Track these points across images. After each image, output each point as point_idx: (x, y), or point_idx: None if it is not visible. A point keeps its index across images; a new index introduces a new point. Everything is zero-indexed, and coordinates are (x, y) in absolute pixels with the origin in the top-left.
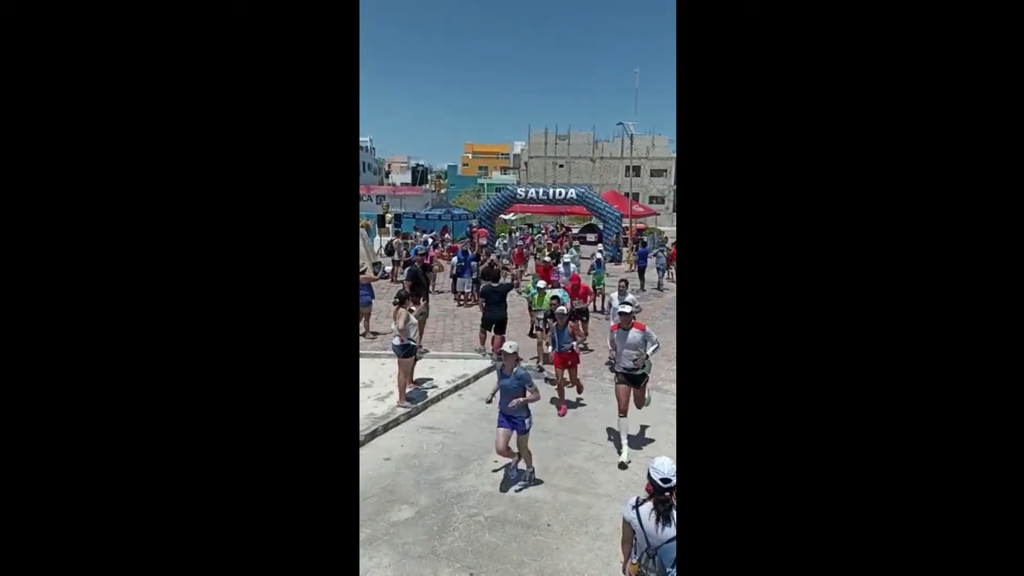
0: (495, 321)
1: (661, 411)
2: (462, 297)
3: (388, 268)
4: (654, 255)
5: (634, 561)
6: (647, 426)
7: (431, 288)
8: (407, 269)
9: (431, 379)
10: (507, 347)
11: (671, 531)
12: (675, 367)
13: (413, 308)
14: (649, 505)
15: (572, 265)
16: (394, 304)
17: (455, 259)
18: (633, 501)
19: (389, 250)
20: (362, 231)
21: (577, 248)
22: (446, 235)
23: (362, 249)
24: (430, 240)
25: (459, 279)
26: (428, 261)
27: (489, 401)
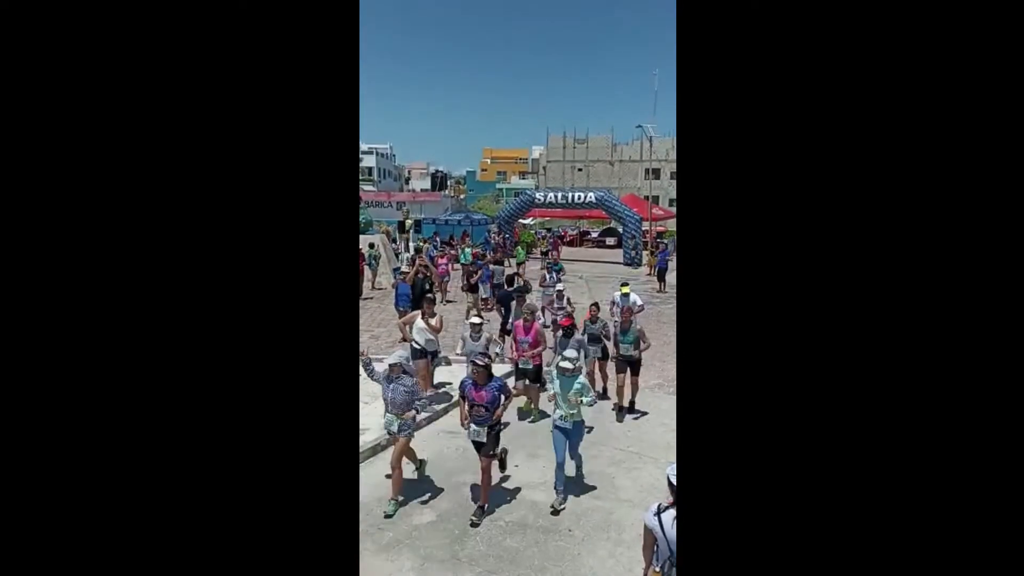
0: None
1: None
2: (481, 303)
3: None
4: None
5: (656, 568)
6: (667, 432)
7: (441, 298)
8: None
9: (451, 383)
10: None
11: None
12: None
13: (432, 314)
14: (672, 512)
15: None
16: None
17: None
18: (655, 508)
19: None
20: (383, 237)
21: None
22: (466, 239)
23: (383, 256)
24: (416, 250)
25: (479, 285)
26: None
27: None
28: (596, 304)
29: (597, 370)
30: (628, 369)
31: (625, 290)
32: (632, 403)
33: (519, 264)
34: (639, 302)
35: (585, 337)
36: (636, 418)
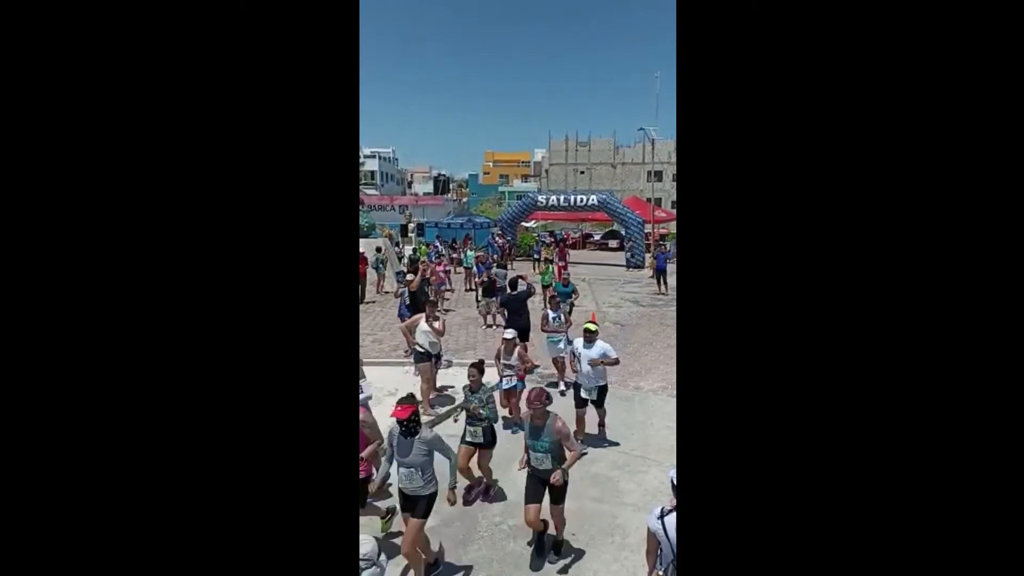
0: (518, 328)
1: None
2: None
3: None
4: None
5: (660, 572)
6: (670, 435)
7: (439, 304)
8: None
9: (454, 387)
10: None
11: None
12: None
13: (435, 317)
14: (675, 516)
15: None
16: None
17: (475, 269)
18: (658, 512)
19: (413, 265)
20: (386, 240)
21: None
22: (468, 242)
23: (392, 256)
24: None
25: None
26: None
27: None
28: (479, 364)
29: (475, 462)
30: (547, 494)
31: (591, 327)
32: (559, 546)
33: (545, 287)
34: (611, 354)
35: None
36: (640, 422)
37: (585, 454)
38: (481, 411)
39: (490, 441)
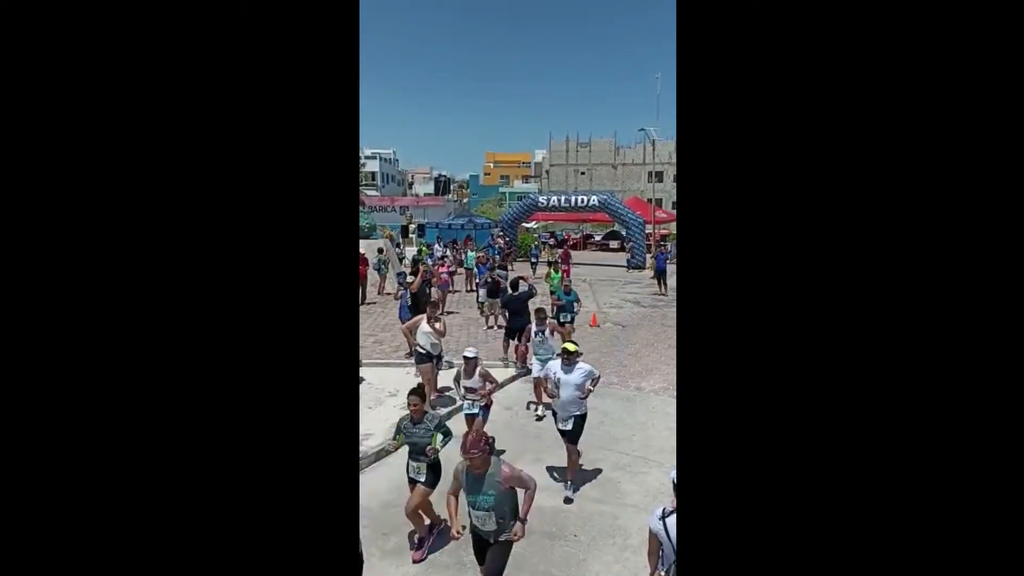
0: (518, 329)
1: None
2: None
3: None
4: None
5: (662, 573)
6: (672, 436)
7: (441, 308)
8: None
9: (455, 387)
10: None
11: None
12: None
13: (436, 318)
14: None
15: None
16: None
17: (476, 271)
18: (660, 512)
19: (415, 266)
20: (387, 242)
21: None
22: (469, 243)
23: (394, 257)
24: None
25: (482, 289)
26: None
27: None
28: (419, 390)
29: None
30: (491, 565)
31: (570, 347)
32: None
33: (552, 292)
34: (595, 374)
35: None
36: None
37: (569, 487)
38: (427, 448)
39: (431, 480)
